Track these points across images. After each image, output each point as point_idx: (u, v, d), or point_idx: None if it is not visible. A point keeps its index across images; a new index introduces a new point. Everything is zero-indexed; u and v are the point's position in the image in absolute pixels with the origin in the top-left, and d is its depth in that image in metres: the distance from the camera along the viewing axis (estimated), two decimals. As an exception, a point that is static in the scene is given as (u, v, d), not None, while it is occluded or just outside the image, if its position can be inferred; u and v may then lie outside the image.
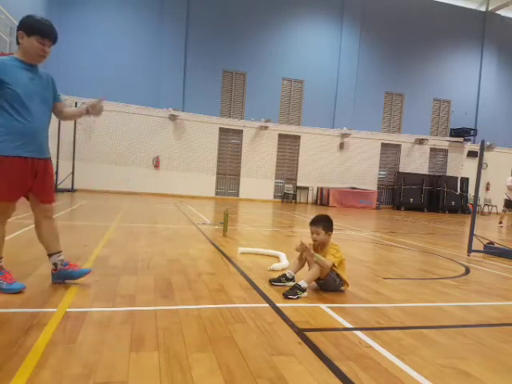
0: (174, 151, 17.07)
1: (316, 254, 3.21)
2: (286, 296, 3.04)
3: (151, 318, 2.46)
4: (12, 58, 2.71)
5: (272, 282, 3.42)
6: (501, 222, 12.35)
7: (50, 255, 3.03)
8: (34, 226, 3.03)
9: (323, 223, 3.34)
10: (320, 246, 3.39)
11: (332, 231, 3.38)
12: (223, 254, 4.65)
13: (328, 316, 2.72)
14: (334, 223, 3.46)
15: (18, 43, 2.71)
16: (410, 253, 5.85)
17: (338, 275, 3.27)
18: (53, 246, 3.03)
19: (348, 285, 3.35)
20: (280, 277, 3.42)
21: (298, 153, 19.10)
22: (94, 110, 3.02)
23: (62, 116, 3.09)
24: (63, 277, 3.02)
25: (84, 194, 14.02)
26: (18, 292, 2.73)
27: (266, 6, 18.39)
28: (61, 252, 3.05)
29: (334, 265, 3.20)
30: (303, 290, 3.09)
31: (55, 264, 3.01)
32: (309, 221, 3.46)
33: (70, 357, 1.88)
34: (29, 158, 2.72)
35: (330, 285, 3.30)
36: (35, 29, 2.66)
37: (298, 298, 3.04)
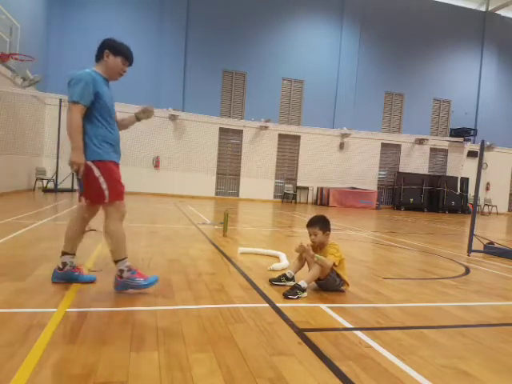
0: (174, 151, 17.07)
1: (316, 255, 3.22)
2: (286, 296, 3.04)
3: (151, 318, 2.46)
4: (96, 73, 2.93)
5: (272, 281, 3.42)
6: None
7: (62, 253, 3.12)
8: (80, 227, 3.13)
9: (320, 224, 3.35)
10: (319, 247, 3.39)
11: (330, 230, 3.39)
12: (223, 254, 4.65)
13: (328, 316, 2.72)
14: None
15: (97, 60, 2.99)
16: (410, 253, 5.85)
17: (338, 275, 3.28)
18: (74, 246, 3.15)
19: (348, 285, 3.35)
20: (280, 277, 3.43)
21: (297, 153, 19.10)
22: (144, 115, 3.27)
23: (120, 126, 3.26)
24: (67, 278, 3.08)
25: (84, 194, 14.00)
26: (156, 283, 2.95)
27: (266, 6, 18.39)
28: (74, 255, 3.14)
29: (334, 264, 3.20)
30: (303, 290, 3.10)
31: (64, 264, 3.07)
32: (308, 221, 3.46)
33: (70, 357, 1.88)
34: (118, 163, 3.04)
35: (330, 285, 3.30)
36: (122, 51, 3.00)
37: (298, 297, 3.05)
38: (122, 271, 2.88)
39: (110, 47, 2.97)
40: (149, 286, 2.92)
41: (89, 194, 2.90)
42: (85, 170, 2.82)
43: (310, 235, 3.39)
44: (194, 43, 17.63)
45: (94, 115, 2.85)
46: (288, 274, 3.42)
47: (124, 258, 2.92)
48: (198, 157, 17.42)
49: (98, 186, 2.83)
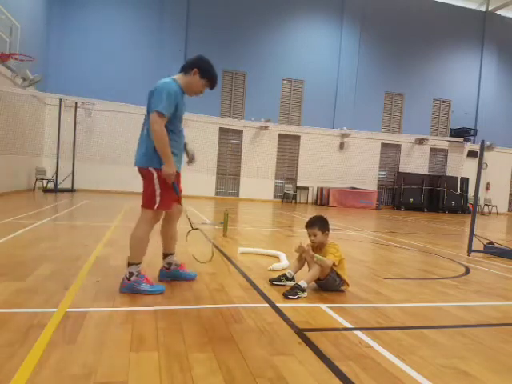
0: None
1: (316, 255, 3.22)
2: (285, 296, 3.04)
3: (151, 317, 2.46)
4: (178, 85, 2.94)
5: (272, 281, 3.42)
6: None
7: (165, 255, 3.32)
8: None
9: (318, 224, 3.36)
10: (319, 247, 3.39)
11: (328, 230, 3.39)
12: (223, 254, 4.65)
13: (328, 316, 2.72)
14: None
15: (183, 70, 3.00)
16: (410, 253, 5.85)
17: (338, 275, 3.28)
18: (167, 247, 3.33)
19: (348, 285, 3.35)
20: (280, 276, 3.43)
21: (298, 153, 19.09)
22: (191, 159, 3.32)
23: None
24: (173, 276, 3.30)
25: (84, 194, 14.02)
26: (161, 293, 2.95)
27: (266, 6, 18.38)
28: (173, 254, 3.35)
29: (334, 264, 3.20)
30: (303, 290, 3.10)
31: (169, 264, 3.30)
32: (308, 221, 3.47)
33: (70, 357, 1.88)
34: (179, 172, 3.16)
35: (330, 285, 3.30)
36: (209, 76, 3.01)
37: (298, 297, 3.05)
38: (131, 274, 2.91)
39: (201, 68, 2.97)
40: (153, 293, 2.92)
41: (143, 196, 2.98)
42: (147, 175, 2.91)
43: (310, 236, 3.39)
44: (194, 43, 17.62)
45: (166, 124, 2.84)
46: (288, 274, 3.42)
47: (138, 263, 2.95)
48: (197, 157, 17.27)
49: (153, 193, 2.90)
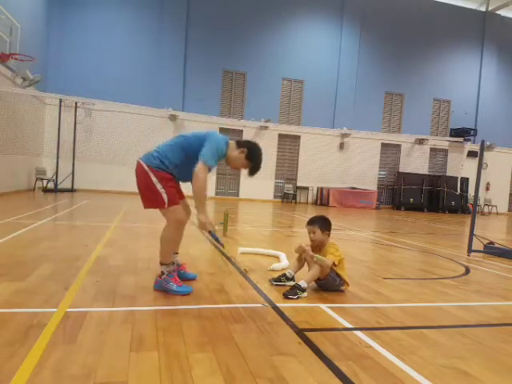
0: (174, 151, 17.06)
1: (316, 255, 3.22)
2: (286, 296, 3.04)
3: (151, 317, 2.46)
4: (226, 147, 3.04)
5: (272, 281, 3.42)
6: None
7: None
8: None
9: (319, 222, 3.36)
10: (318, 247, 3.39)
11: (329, 231, 3.38)
12: (223, 254, 4.65)
13: (328, 316, 2.72)
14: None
15: (237, 145, 3.09)
16: (410, 253, 5.85)
17: (337, 275, 3.28)
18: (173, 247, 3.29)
19: (348, 284, 3.35)
20: (280, 276, 3.43)
21: (298, 153, 19.09)
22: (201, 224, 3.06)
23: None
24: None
25: (84, 194, 14.02)
26: (187, 294, 2.97)
27: (266, 6, 18.38)
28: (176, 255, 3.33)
29: (334, 264, 3.20)
30: (303, 290, 3.10)
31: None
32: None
33: (70, 357, 1.88)
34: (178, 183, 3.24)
35: (330, 285, 3.30)
36: (254, 162, 3.10)
37: (298, 298, 3.05)
38: (163, 273, 3.02)
39: (250, 153, 3.07)
40: (178, 293, 2.96)
41: (148, 199, 3.02)
42: (146, 177, 2.94)
43: (309, 233, 3.39)
44: (194, 43, 17.62)
45: (188, 156, 2.94)
46: (288, 274, 3.42)
47: (168, 264, 3.03)
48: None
49: (158, 192, 2.92)
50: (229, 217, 6.53)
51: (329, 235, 3.39)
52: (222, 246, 3.24)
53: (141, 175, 3.01)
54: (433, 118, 21.17)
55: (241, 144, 3.10)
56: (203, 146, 2.91)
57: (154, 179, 2.93)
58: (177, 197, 3.03)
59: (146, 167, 2.97)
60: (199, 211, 2.93)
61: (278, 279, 3.41)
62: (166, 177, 2.96)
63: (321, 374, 1.87)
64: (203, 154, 2.87)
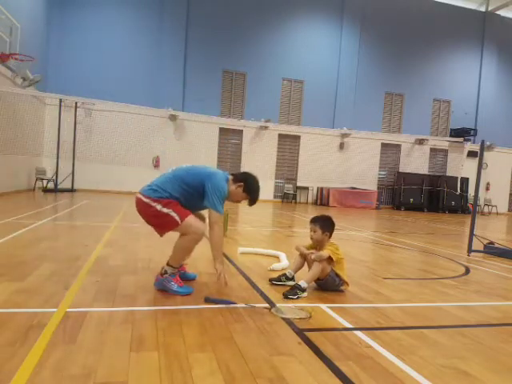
0: (173, 151, 17.05)
1: (312, 251, 3.27)
2: (286, 296, 3.04)
3: (151, 317, 2.46)
4: (227, 188, 3.07)
5: (272, 281, 3.42)
6: None
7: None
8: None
9: (321, 222, 3.36)
10: (318, 247, 3.39)
11: (330, 232, 3.36)
12: (223, 254, 4.65)
13: (328, 316, 2.72)
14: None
15: (234, 179, 3.12)
16: (410, 253, 5.85)
17: (337, 275, 3.27)
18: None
19: (348, 284, 3.35)
20: (280, 276, 3.43)
21: (298, 153, 19.09)
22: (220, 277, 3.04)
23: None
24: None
25: (84, 194, 14.02)
26: (188, 294, 2.97)
27: (266, 6, 18.38)
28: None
29: (331, 258, 3.19)
30: (303, 290, 3.10)
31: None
32: (308, 221, 3.48)
33: (70, 357, 1.88)
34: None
35: (329, 285, 3.30)
36: (251, 195, 3.16)
37: (298, 297, 3.05)
38: (166, 272, 3.04)
39: (247, 186, 3.11)
40: (178, 293, 2.96)
41: (161, 225, 3.01)
42: (149, 208, 2.92)
43: (310, 231, 3.40)
44: (194, 43, 17.62)
45: (187, 191, 2.97)
46: (288, 274, 3.42)
47: (174, 267, 3.04)
48: (197, 157, 17.41)
49: (166, 215, 2.89)
50: (229, 217, 6.53)
51: (329, 237, 3.37)
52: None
53: (143, 209, 2.98)
54: (433, 118, 21.17)
55: (237, 178, 3.12)
56: (204, 184, 2.94)
57: (159, 206, 2.90)
58: (186, 210, 2.98)
59: (145, 199, 2.95)
60: (218, 260, 3.00)
61: (278, 279, 3.41)
62: (171, 202, 2.93)
63: (321, 374, 1.87)
64: (212, 205, 2.92)
